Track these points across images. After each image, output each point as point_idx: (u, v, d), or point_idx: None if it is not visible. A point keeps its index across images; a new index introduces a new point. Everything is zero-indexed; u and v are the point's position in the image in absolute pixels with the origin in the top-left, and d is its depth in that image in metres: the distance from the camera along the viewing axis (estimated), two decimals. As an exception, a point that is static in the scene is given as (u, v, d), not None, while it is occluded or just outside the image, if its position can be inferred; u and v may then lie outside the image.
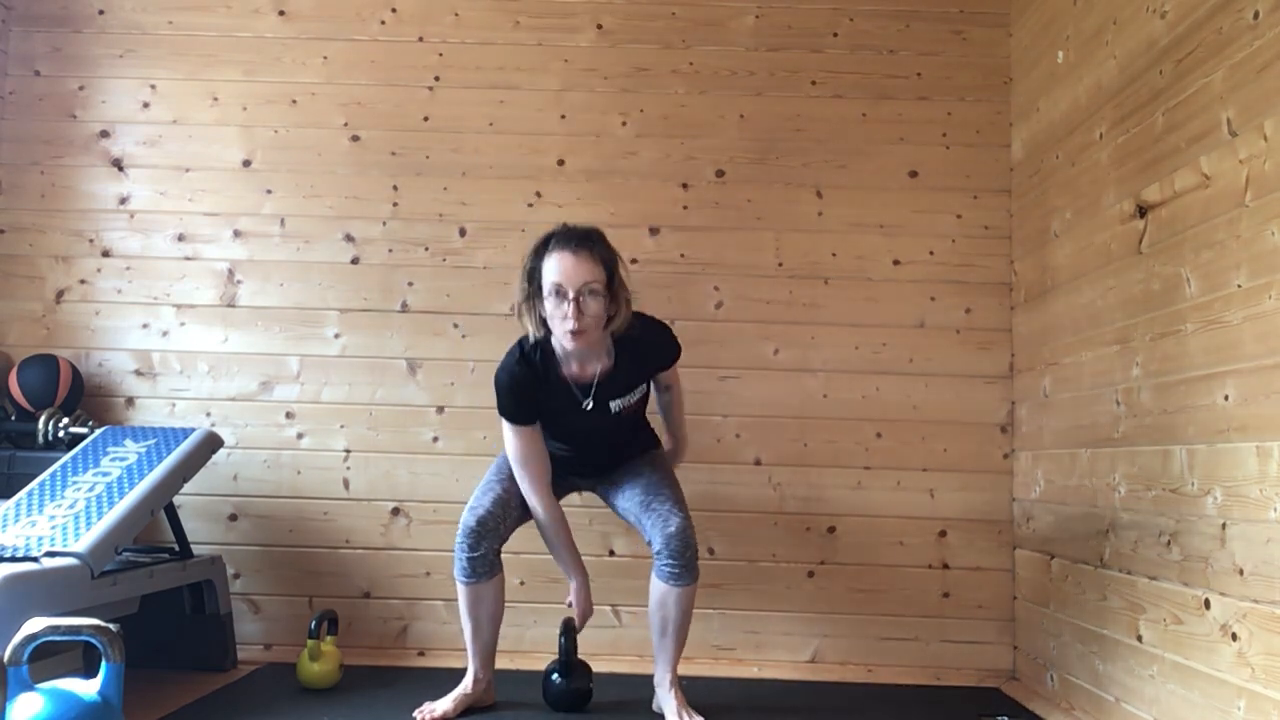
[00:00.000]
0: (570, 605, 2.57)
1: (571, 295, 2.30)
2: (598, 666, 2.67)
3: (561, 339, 2.36)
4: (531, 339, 2.43)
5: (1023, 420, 3.08)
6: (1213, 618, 2.00)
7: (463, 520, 2.46)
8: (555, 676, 2.57)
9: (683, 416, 2.80)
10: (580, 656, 2.61)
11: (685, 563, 2.41)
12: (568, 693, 2.56)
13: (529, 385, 2.43)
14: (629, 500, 2.55)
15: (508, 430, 2.47)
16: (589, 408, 2.47)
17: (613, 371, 2.46)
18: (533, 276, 2.38)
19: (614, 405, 2.50)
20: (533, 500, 2.50)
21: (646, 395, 2.60)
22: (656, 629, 2.49)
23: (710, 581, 3.11)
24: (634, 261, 3.15)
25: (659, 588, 2.45)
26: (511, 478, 2.54)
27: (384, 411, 3.19)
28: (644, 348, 2.50)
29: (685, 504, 2.50)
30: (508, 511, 2.50)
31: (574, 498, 3.12)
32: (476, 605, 2.48)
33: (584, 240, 2.35)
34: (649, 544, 2.46)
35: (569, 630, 2.57)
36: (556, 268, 2.31)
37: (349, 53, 3.29)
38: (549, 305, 2.33)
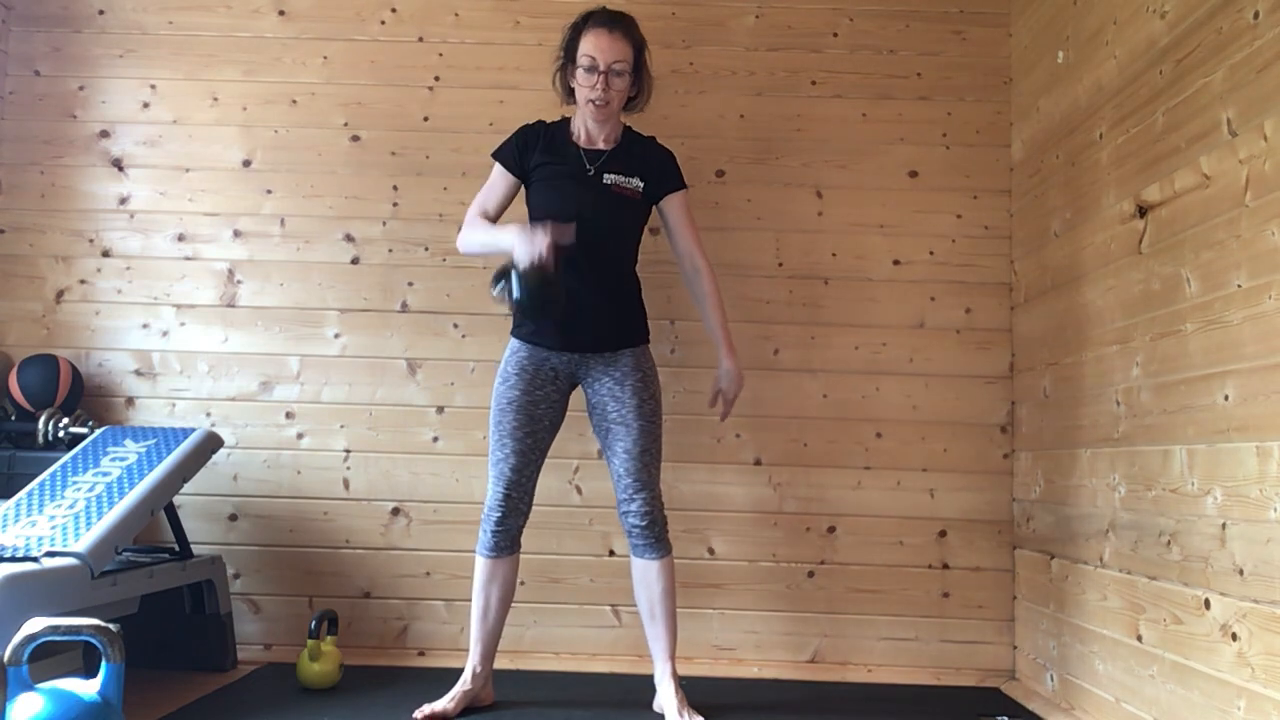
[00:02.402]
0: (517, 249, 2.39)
1: (602, 68, 2.54)
2: (598, 666, 2.67)
3: (585, 109, 2.61)
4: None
5: (1023, 420, 3.08)
6: (1213, 618, 2.00)
7: (490, 494, 2.55)
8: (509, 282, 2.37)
9: (722, 312, 2.70)
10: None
11: (655, 535, 2.53)
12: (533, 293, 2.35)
13: (534, 135, 2.67)
14: (610, 452, 2.57)
15: (494, 174, 2.68)
16: (591, 173, 2.61)
17: (615, 150, 2.65)
18: (568, 48, 2.63)
19: (608, 178, 2.61)
20: (468, 219, 2.64)
21: (640, 215, 2.67)
22: (645, 612, 2.56)
23: (710, 581, 3.12)
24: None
25: (637, 565, 2.56)
26: (513, 449, 2.53)
27: (384, 411, 3.19)
28: (648, 150, 2.70)
29: (657, 474, 2.57)
30: (525, 487, 2.57)
31: (574, 497, 3.13)
32: (490, 582, 2.56)
33: (618, 21, 2.60)
34: (622, 516, 2.56)
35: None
36: (592, 42, 2.56)
37: (349, 53, 3.29)
38: (580, 75, 2.58)
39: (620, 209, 2.62)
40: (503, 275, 2.43)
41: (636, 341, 2.63)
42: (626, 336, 2.61)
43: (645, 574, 2.54)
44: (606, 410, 2.58)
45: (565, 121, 2.70)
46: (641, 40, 2.64)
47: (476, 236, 2.61)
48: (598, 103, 2.56)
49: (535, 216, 2.59)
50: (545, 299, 2.39)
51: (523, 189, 2.68)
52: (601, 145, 2.65)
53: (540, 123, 2.70)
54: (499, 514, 2.54)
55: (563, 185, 2.61)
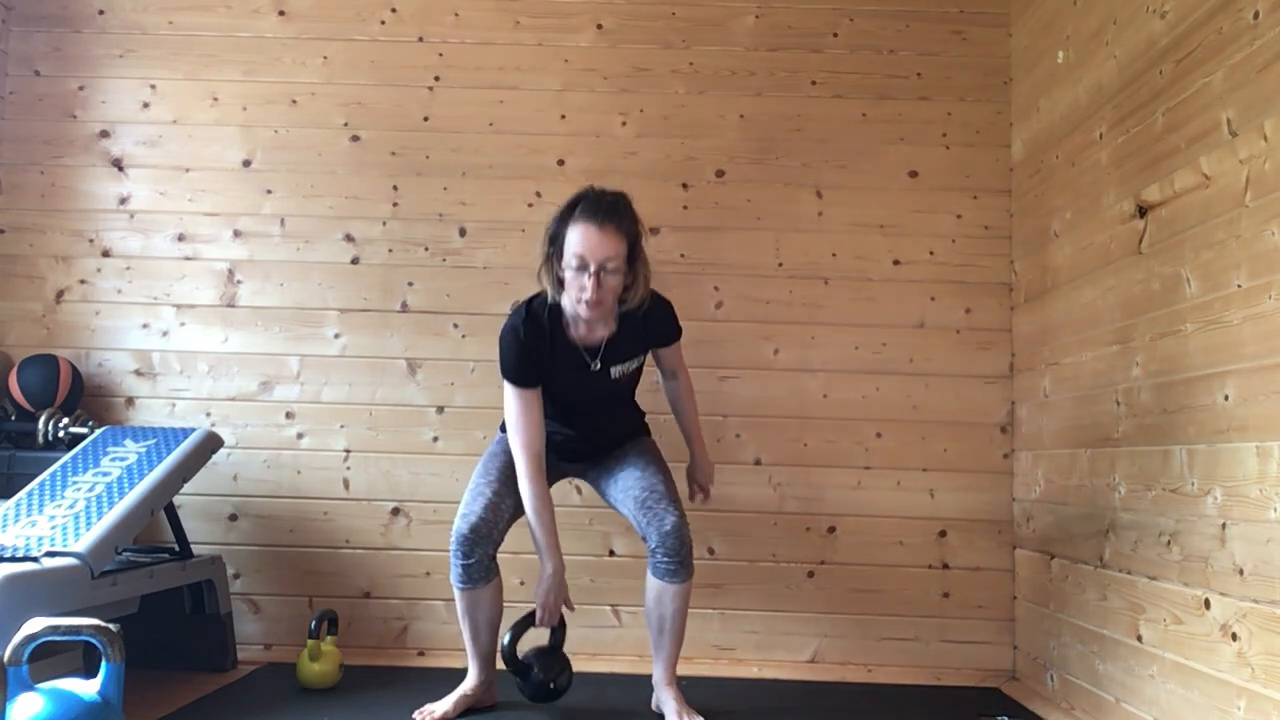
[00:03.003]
0: (537, 597, 2.45)
1: (593, 269, 2.32)
2: (598, 666, 2.67)
3: (577, 308, 2.39)
4: (550, 297, 2.45)
5: (1023, 420, 3.08)
6: (1213, 618, 2.00)
7: (455, 528, 2.44)
8: (534, 669, 2.50)
9: (696, 414, 2.76)
10: (564, 652, 2.56)
11: (681, 559, 2.42)
12: (538, 686, 2.51)
13: (534, 344, 2.45)
14: (623, 493, 2.54)
15: (509, 392, 2.46)
16: (596, 369, 2.50)
17: (615, 338, 2.50)
18: (555, 240, 2.40)
19: (614, 371, 2.53)
20: (522, 466, 2.43)
21: (641, 370, 2.62)
22: (654, 627, 2.50)
23: (710, 581, 3.12)
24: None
25: (654, 585, 2.46)
26: (500, 479, 2.52)
27: (384, 411, 3.19)
28: (646, 319, 2.52)
29: (679, 500, 2.51)
30: (499, 515, 2.47)
31: (574, 497, 3.13)
32: (474, 610, 2.48)
33: (610, 213, 2.35)
34: (644, 540, 2.46)
35: (557, 629, 2.53)
36: (580, 239, 2.33)
37: (349, 53, 3.29)
38: (568, 274, 2.36)
39: (626, 385, 2.62)
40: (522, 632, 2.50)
41: (638, 435, 2.70)
42: (626, 437, 2.67)
43: (663, 595, 2.45)
44: (607, 466, 2.61)
45: (556, 310, 2.47)
46: (636, 229, 2.40)
47: (538, 519, 2.42)
48: (590, 303, 2.34)
49: (545, 398, 2.54)
50: (552, 692, 2.52)
51: None
52: (602, 333, 2.48)
53: (529, 320, 2.44)
54: (464, 548, 2.40)
55: (571, 385, 2.53)
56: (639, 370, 2.62)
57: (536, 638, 2.53)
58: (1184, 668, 2.10)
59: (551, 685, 2.50)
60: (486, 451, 2.65)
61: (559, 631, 2.53)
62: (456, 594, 2.47)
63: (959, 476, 3.15)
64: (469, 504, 2.47)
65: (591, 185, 2.45)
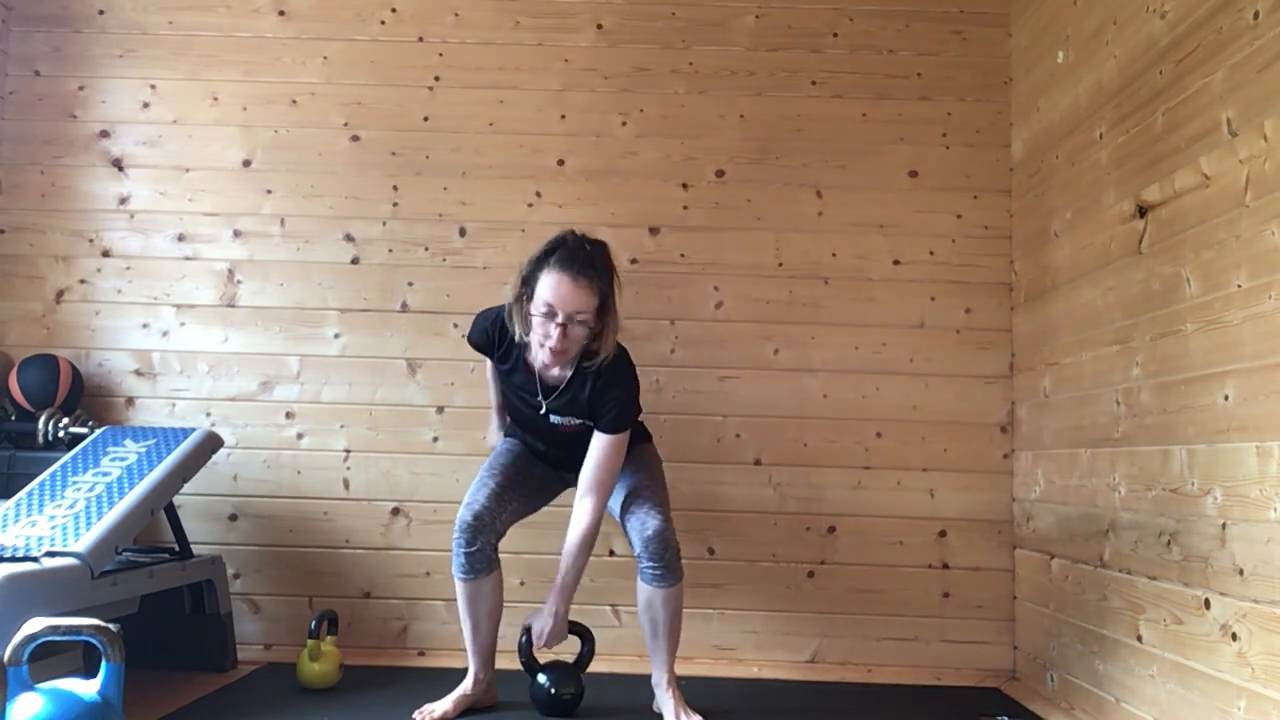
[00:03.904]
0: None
1: (560, 319, 2.31)
2: (598, 666, 2.66)
3: (539, 353, 2.40)
4: (517, 335, 2.45)
5: (1023, 420, 3.08)
6: (1213, 618, 2.00)
7: (459, 517, 2.45)
8: (541, 678, 2.53)
9: (577, 564, 2.46)
10: (568, 663, 2.58)
11: (666, 564, 2.42)
12: (543, 693, 2.52)
13: (498, 343, 2.52)
14: (613, 498, 2.55)
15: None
16: (540, 410, 2.50)
17: (564, 388, 2.47)
18: (528, 282, 2.38)
19: (555, 419, 2.50)
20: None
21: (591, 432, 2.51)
22: (647, 631, 2.50)
23: (710, 581, 3.12)
24: (634, 262, 3.16)
25: (644, 590, 2.46)
26: (505, 474, 2.54)
27: (384, 411, 3.19)
28: (601, 388, 2.43)
29: (667, 504, 2.51)
30: (504, 505, 2.49)
31: (573, 496, 3.12)
32: (475, 602, 2.48)
33: (586, 265, 2.33)
34: (631, 545, 2.47)
35: (585, 650, 2.57)
36: (552, 288, 2.32)
37: (349, 53, 3.29)
38: (535, 320, 2.36)
39: (570, 435, 2.53)
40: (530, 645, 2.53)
41: (640, 441, 2.66)
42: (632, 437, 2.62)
43: (653, 600, 2.45)
44: None
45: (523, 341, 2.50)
46: (610, 284, 2.38)
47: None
48: (554, 351, 2.34)
49: (507, 406, 2.64)
50: (554, 701, 2.51)
51: None
52: (554, 377, 2.47)
53: (499, 326, 2.48)
54: (466, 535, 2.42)
55: (523, 409, 2.55)
56: (589, 432, 2.50)
57: (560, 651, 2.57)
58: (1184, 668, 2.10)
59: (554, 691, 2.51)
60: (494, 450, 2.66)
61: (586, 651, 2.57)
62: (458, 586, 2.48)
63: (959, 476, 3.15)
64: (473, 493, 2.49)
65: (573, 230, 2.44)
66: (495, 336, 2.51)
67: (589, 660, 2.58)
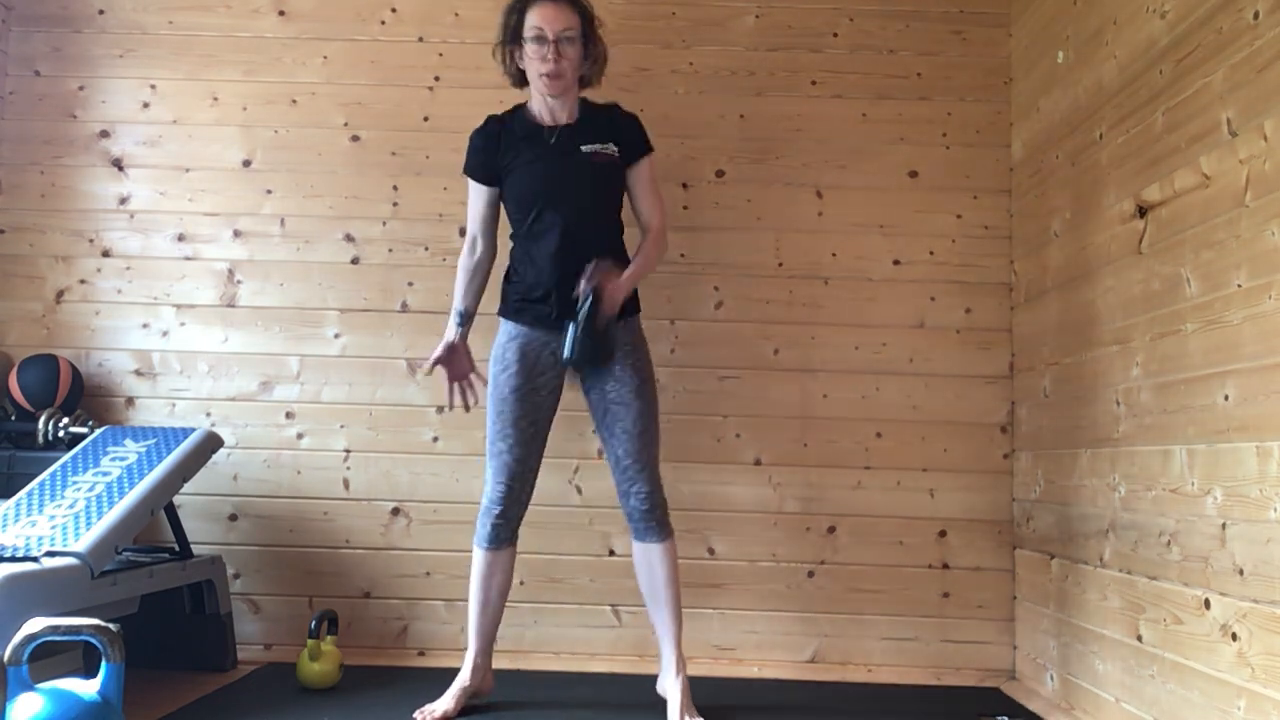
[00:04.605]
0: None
1: (551, 39, 2.49)
2: (598, 666, 2.67)
3: (538, 83, 2.54)
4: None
5: (1023, 420, 3.08)
6: (1213, 618, 2.00)
7: (491, 486, 2.54)
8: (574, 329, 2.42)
9: (648, 258, 2.61)
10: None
11: (655, 520, 2.51)
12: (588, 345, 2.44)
13: (495, 134, 2.60)
14: (607, 441, 2.57)
15: (471, 191, 2.66)
16: (565, 148, 2.55)
17: (579, 123, 2.60)
18: (514, 30, 2.56)
19: (586, 148, 2.56)
20: (463, 250, 2.69)
21: (621, 183, 2.61)
22: (647, 595, 2.55)
23: (710, 581, 3.12)
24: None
25: (638, 548, 2.55)
26: (515, 439, 2.54)
27: (384, 411, 3.19)
28: (613, 113, 2.64)
29: (657, 457, 2.55)
30: (526, 475, 2.57)
31: (574, 497, 3.13)
32: (490, 575, 2.55)
33: None
34: (620, 500, 2.55)
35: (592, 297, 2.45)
36: (538, 15, 2.52)
37: (349, 53, 3.29)
38: (529, 50, 2.52)
39: (602, 179, 2.58)
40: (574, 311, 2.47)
41: (628, 313, 2.60)
42: (620, 308, 2.55)
43: (647, 557, 2.53)
44: (605, 390, 2.55)
45: (520, 108, 2.64)
46: (587, 8, 2.60)
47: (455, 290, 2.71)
48: (551, 75, 2.51)
49: (514, 209, 2.59)
50: (597, 349, 2.46)
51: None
52: (566, 121, 2.60)
53: (491, 119, 2.64)
54: (501, 506, 2.54)
55: (538, 169, 2.55)
56: (617, 178, 2.59)
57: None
58: (1184, 668, 2.10)
59: (586, 334, 2.42)
60: (489, 398, 2.61)
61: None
62: (477, 558, 2.55)
63: (959, 476, 3.15)
64: (497, 471, 2.55)
65: None
66: (490, 139, 2.59)
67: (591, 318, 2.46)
